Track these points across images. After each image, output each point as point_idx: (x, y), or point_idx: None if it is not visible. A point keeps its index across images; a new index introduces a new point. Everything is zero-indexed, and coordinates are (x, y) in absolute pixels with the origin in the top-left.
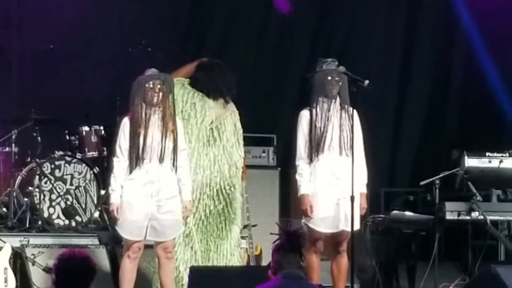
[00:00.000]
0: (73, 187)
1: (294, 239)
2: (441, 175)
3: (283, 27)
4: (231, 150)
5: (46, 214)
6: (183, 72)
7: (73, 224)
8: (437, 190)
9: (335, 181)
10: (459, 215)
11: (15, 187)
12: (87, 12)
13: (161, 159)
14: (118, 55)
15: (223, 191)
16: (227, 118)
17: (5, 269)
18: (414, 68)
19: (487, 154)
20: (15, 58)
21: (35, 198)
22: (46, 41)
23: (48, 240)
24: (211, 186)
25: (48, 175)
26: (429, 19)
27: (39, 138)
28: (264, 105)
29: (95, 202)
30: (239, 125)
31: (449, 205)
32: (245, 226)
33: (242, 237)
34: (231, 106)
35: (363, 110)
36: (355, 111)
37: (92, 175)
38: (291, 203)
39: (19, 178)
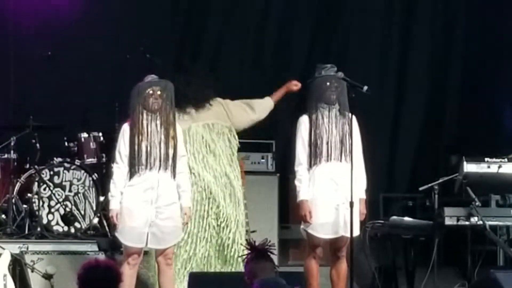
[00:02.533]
0: (72, 194)
1: (263, 250)
2: (440, 181)
3: (281, 32)
4: (227, 153)
5: (45, 221)
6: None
7: (72, 230)
8: (436, 196)
9: (334, 187)
10: (458, 220)
11: (14, 193)
12: (85, 19)
13: (161, 166)
14: (116, 61)
15: (225, 194)
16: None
17: (5, 275)
18: (411, 74)
19: (486, 159)
20: (12, 64)
21: (34, 204)
22: (43, 47)
23: (47, 247)
24: (212, 190)
25: (47, 181)
26: (423, 25)
27: (38, 145)
28: None
29: (94, 208)
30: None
31: (448, 211)
32: (246, 232)
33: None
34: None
35: (362, 116)
36: (354, 116)
37: (91, 182)
38: (290, 209)
39: (18, 185)
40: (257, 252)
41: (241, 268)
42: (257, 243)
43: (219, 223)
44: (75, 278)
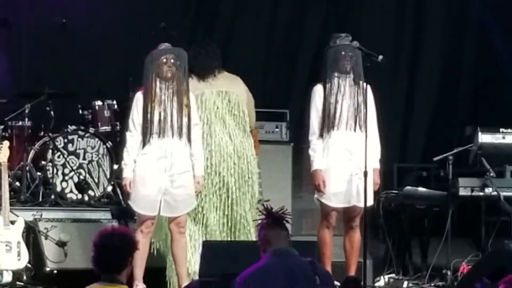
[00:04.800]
0: (86, 162)
1: (278, 216)
2: (454, 151)
3: (294, 10)
4: (239, 122)
5: (59, 188)
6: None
7: (86, 198)
8: (451, 166)
9: (348, 157)
10: (472, 191)
11: (28, 161)
12: None
13: (174, 134)
14: (132, 30)
15: (236, 164)
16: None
17: (18, 243)
18: (426, 43)
19: (501, 130)
20: (26, 32)
21: (48, 172)
22: (58, 15)
23: (60, 214)
24: (225, 160)
25: (61, 149)
26: None
27: (52, 113)
28: (277, 80)
29: (108, 176)
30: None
31: (462, 181)
32: (258, 201)
33: None
34: (232, 79)
35: (376, 85)
36: (368, 86)
37: (105, 150)
38: (303, 179)
39: (32, 152)
40: (272, 218)
41: (250, 239)
42: (273, 210)
43: (221, 193)
44: (89, 246)
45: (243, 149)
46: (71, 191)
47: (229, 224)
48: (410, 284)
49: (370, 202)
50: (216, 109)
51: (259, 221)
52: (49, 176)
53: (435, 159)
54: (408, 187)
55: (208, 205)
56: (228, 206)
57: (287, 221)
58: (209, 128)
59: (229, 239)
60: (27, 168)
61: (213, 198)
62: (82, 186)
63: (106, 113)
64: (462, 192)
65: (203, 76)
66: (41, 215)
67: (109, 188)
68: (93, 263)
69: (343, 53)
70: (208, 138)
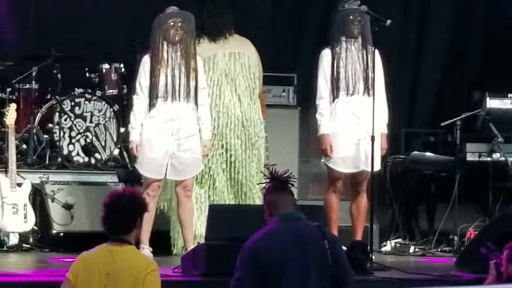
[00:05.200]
0: (93, 125)
1: (282, 180)
2: (462, 116)
3: None
4: (249, 85)
5: (65, 151)
6: None
7: (93, 161)
8: (458, 131)
9: (356, 121)
10: (480, 157)
11: (35, 124)
12: None
13: (181, 97)
14: None
15: (244, 127)
16: (245, 53)
17: (25, 205)
18: (434, 7)
19: (509, 95)
20: None
21: (54, 135)
22: None
23: (67, 177)
24: (232, 122)
25: (68, 112)
26: None
27: (59, 75)
28: (284, 44)
29: (115, 139)
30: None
31: (469, 146)
32: (264, 165)
33: None
34: (244, 42)
35: (384, 50)
36: (376, 51)
37: (112, 113)
38: (310, 143)
39: (39, 115)
40: (277, 182)
41: (256, 203)
42: (278, 174)
43: (227, 155)
44: (95, 208)
45: (251, 112)
46: (77, 154)
47: (236, 186)
48: (417, 249)
49: (378, 167)
50: (228, 70)
51: (264, 185)
52: (56, 139)
53: (442, 124)
54: (415, 152)
55: (215, 166)
56: (234, 168)
57: (292, 185)
58: (219, 89)
59: (235, 202)
60: (34, 131)
61: (219, 159)
62: (89, 149)
63: (113, 76)
64: (470, 157)
65: (215, 37)
66: (48, 177)
67: (116, 151)
68: (102, 223)
69: (351, 17)
70: (217, 99)
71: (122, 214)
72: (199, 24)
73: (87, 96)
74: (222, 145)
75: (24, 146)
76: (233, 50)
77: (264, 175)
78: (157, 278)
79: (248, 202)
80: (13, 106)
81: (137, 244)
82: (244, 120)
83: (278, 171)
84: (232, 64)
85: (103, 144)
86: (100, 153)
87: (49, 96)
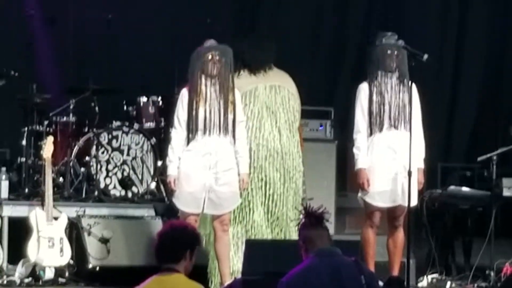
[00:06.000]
0: (130, 158)
1: (317, 215)
2: (498, 151)
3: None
4: (289, 118)
5: (102, 185)
6: None
7: (129, 195)
8: (495, 166)
9: (393, 155)
10: None
11: (72, 157)
12: None
13: (219, 131)
14: (177, 26)
15: (283, 160)
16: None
17: (61, 239)
18: (470, 42)
19: None
20: (71, 27)
21: (91, 168)
22: (102, 10)
23: (104, 211)
24: (271, 155)
25: (105, 145)
26: None
27: (96, 108)
28: (322, 78)
29: (152, 173)
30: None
31: (506, 181)
32: (302, 200)
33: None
34: (283, 75)
35: (421, 85)
36: (413, 85)
37: (149, 146)
38: (347, 177)
39: (76, 148)
40: (312, 218)
41: (293, 237)
42: (312, 209)
43: (266, 188)
44: (131, 242)
45: (290, 145)
46: (114, 187)
47: (273, 220)
48: (453, 285)
49: (414, 202)
50: (270, 103)
51: (300, 221)
52: (93, 172)
53: (479, 159)
54: (452, 187)
55: (254, 200)
56: (272, 202)
57: (327, 220)
58: (259, 121)
59: (272, 236)
60: (71, 164)
61: (258, 192)
62: (125, 183)
63: (151, 109)
64: (506, 192)
65: (256, 70)
66: (84, 211)
67: (153, 185)
68: (154, 253)
69: (389, 51)
70: (257, 132)
71: (171, 243)
72: (240, 57)
73: (125, 129)
74: (261, 178)
75: (61, 179)
76: (273, 83)
77: (299, 210)
78: None
79: (285, 236)
80: (50, 139)
81: None
82: (283, 153)
83: (313, 207)
84: (273, 97)
85: (140, 177)
86: (137, 187)
87: (86, 129)
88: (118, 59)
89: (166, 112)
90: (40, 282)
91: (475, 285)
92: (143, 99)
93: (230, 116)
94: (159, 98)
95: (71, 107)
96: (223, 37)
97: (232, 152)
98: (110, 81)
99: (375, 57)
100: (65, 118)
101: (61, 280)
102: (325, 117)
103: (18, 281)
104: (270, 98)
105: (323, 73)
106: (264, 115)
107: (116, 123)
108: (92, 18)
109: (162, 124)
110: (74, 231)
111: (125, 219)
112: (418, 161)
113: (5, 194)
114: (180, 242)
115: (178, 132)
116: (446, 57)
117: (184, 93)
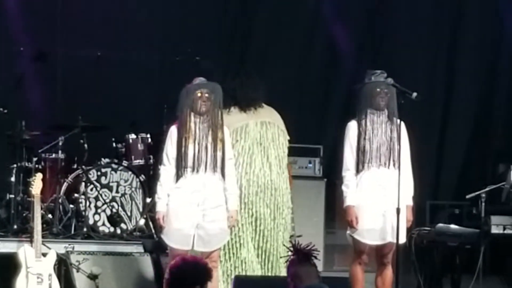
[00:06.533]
0: (119, 195)
1: (305, 253)
2: (487, 189)
3: (329, 35)
4: (279, 154)
5: (91, 221)
6: None
7: (118, 231)
8: (483, 204)
9: (382, 193)
10: (504, 229)
11: (61, 193)
12: (132, 20)
13: (208, 168)
14: (164, 63)
15: (272, 196)
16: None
17: (50, 275)
18: (459, 81)
19: None
20: (60, 64)
21: (80, 205)
22: (91, 47)
23: (93, 247)
24: (262, 190)
25: (94, 182)
26: (471, 33)
27: (85, 145)
28: (310, 116)
29: (141, 210)
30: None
31: (494, 219)
32: (290, 237)
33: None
34: (272, 112)
35: (410, 122)
36: (402, 123)
37: (138, 183)
38: (336, 214)
39: (65, 185)
40: (300, 255)
41: (282, 273)
42: (301, 246)
43: (257, 224)
44: (120, 279)
45: (279, 181)
46: (103, 224)
47: (263, 256)
48: None
49: (403, 239)
50: (261, 139)
51: (288, 258)
52: (82, 208)
53: (467, 196)
54: (440, 224)
55: (245, 235)
56: (262, 237)
57: (315, 257)
58: (250, 157)
59: (262, 272)
60: (60, 200)
61: (249, 228)
62: (114, 219)
63: (140, 147)
64: (495, 230)
65: (246, 107)
66: (73, 247)
67: (142, 222)
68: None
69: (378, 90)
70: (248, 168)
71: (182, 278)
72: (231, 94)
73: (114, 166)
74: (252, 214)
75: (50, 215)
76: (264, 120)
77: (287, 248)
78: None
79: (274, 272)
80: (39, 175)
81: None
82: (273, 189)
83: (301, 244)
84: (264, 132)
85: (129, 214)
86: (126, 223)
87: (75, 166)
88: (107, 96)
89: (155, 149)
90: None
91: None
92: (132, 136)
93: (219, 154)
94: (148, 135)
95: (60, 144)
96: (212, 75)
97: (221, 189)
98: (99, 118)
99: (364, 95)
100: (54, 155)
101: None
102: (314, 154)
103: None
104: (261, 134)
105: (312, 110)
106: (255, 151)
107: (105, 160)
108: (81, 55)
109: (151, 161)
110: (63, 267)
111: (114, 255)
112: (407, 199)
113: None
114: (192, 277)
115: (167, 169)
116: (436, 95)
117: (173, 130)
